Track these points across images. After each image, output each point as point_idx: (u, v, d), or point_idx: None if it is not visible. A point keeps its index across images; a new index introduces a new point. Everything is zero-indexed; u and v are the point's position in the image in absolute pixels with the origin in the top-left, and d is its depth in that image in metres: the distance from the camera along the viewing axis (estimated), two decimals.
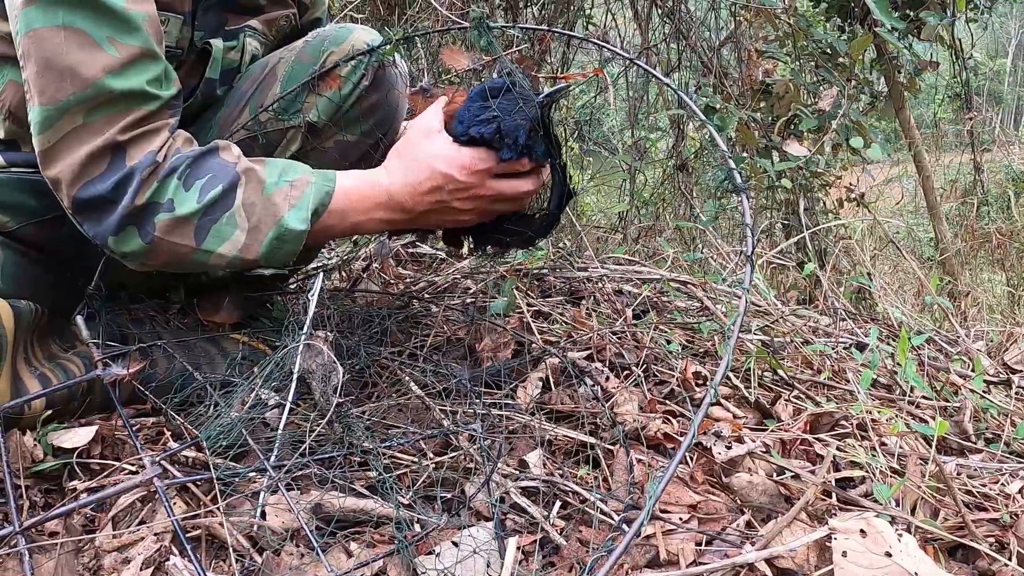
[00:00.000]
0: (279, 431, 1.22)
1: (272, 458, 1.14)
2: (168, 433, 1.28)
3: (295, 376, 1.30)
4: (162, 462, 1.15)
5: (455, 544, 1.02)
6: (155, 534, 1.04)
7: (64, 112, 1.14)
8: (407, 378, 1.45)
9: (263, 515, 1.06)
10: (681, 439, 1.36)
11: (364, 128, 1.46)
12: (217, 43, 1.39)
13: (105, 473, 1.19)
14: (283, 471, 1.13)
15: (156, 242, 1.19)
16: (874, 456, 1.33)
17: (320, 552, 0.98)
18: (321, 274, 1.61)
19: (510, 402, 1.42)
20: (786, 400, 1.58)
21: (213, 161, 1.22)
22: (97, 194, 1.16)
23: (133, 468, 1.19)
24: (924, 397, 1.68)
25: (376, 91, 1.45)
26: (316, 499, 1.09)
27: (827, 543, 1.01)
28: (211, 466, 1.15)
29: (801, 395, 1.63)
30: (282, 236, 1.22)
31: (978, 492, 1.29)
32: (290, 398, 1.26)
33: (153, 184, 1.17)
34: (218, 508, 1.06)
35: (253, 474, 1.14)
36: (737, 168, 1.13)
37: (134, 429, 1.26)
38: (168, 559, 0.99)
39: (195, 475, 1.14)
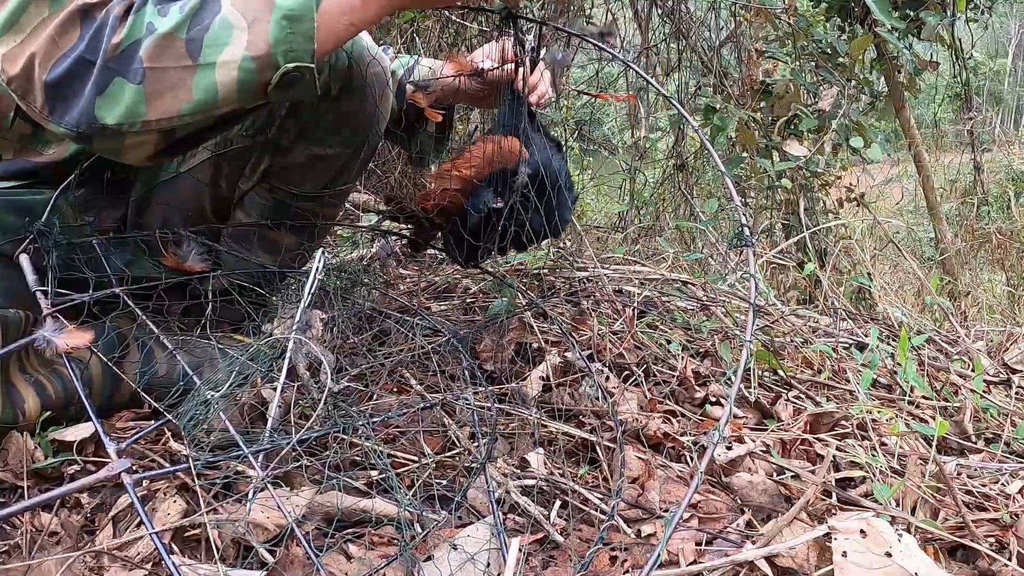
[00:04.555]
0: (270, 415, 1.18)
1: (260, 445, 1.10)
2: (168, 433, 1.28)
3: (288, 356, 1.23)
4: (144, 454, 1.12)
5: (454, 547, 1.01)
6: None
7: (28, 3, 1.05)
8: (406, 373, 1.46)
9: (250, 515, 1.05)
10: (681, 439, 1.36)
11: (340, 140, 1.40)
12: None
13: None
14: (271, 466, 1.10)
15: (147, 76, 1.02)
16: (874, 456, 1.33)
17: (317, 559, 0.98)
18: (321, 251, 1.56)
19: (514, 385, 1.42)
20: (786, 400, 1.58)
21: None
22: (71, 62, 1.03)
23: (135, 468, 1.19)
24: (924, 397, 1.68)
25: (349, 98, 1.37)
26: (308, 501, 1.08)
27: (827, 543, 1.01)
28: (191, 456, 1.11)
29: (801, 395, 1.63)
30: (289, 14, 1.05)
31: (978, 492, 1.29)
32: (282, 379, 1.21)
33: (128, 20, 1.03)
34: (205, 511, 1.05)
35: (243, 467, 1.12)
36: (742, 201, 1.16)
37: (133, 432, 1.26)
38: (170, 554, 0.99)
39: (171, 469, 1.09)
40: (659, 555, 0.90)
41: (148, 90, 1.02)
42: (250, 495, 1.06)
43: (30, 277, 1.20)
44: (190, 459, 1.08)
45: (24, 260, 1.22)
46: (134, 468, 1.18)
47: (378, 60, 1.38)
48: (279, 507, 1.03)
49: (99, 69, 1.02)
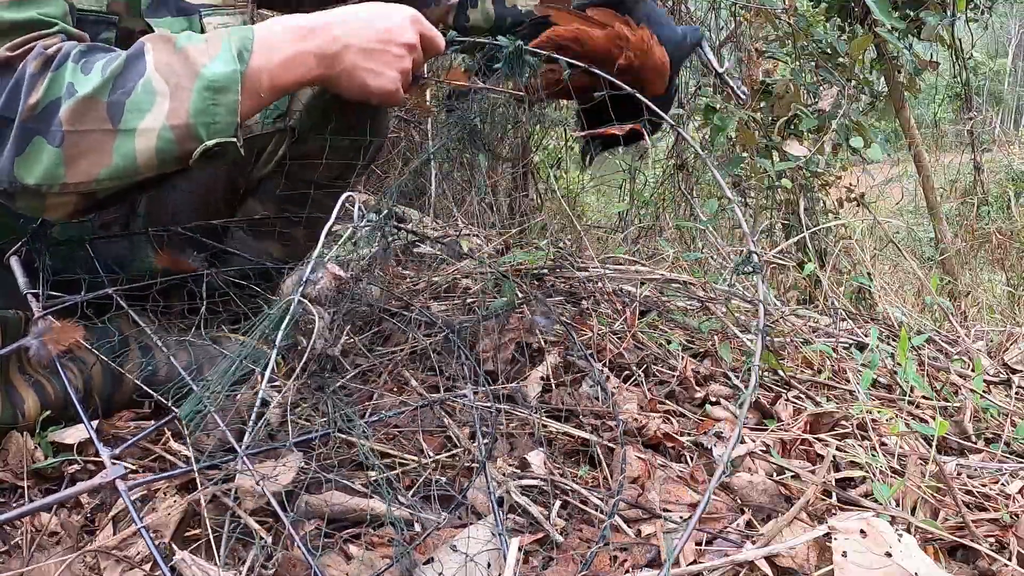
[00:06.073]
0: (259, 393, 1.16)
1: (248, 436, 1.07)
2: (168, 433, 1.28)
3: (280, 336, 1.13)
4: (144, 453, 1.12)
5: (454, 548, 1.01)
6: (155, 531, 1.03)
7: None
8: (407, 372, 1.45)
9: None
10: (681, 439, 1.36)
11: (353, 131, 1.42)
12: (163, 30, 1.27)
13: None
14: (270, 473, 1.10)
15: (67, 139, 0.99)
16: (874, 456, 1.33)
17: (314, 560, 0.98)
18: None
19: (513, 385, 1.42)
20: (786, 400, 1.58)
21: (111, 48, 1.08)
22: None
23: (134, 468, 1.19)
24: (924, 397, 1.68)
25: None
26: (294, 473, 1.07)
27: (827, 543, 1.01)
28: (192, 458, 1.11)
29: (801, 395, 1.63)
30: (212, 84, 1.03)
31: (978, 492, 1.29)
32: (273, 356, 1.11)
33: (47, 76, 1.00)
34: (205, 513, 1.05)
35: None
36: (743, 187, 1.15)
37: (132, 432, 1.26)
38: (172, 555, 0.99)
39: (167, 474, 1.09)
40: (668, 567, 0.90)
41: (67, 153, 1.00)
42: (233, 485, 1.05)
43: (21, 280, 1.18)
44: (192, 461, 1.08)
45: (15, 262, 1.21)
46: (134, 468, 1.19)
47: None
48: (275, 509, 1.02)
49: (17, 129, 0.99)
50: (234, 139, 1.05)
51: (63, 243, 1.32)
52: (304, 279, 1.15)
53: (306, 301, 1.16)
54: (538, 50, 1.40)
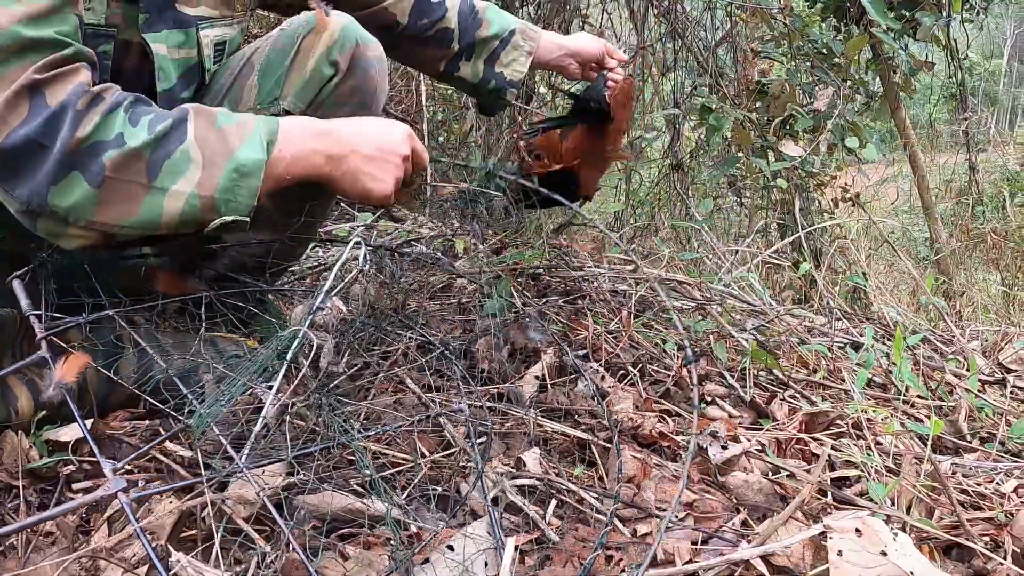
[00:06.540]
0: (264, 415, 1.17)
1: (255, 454, 1.11)
2: (164, 432, 1.28)
3: (290, 353, 1.21)
4: (140, 457, 1.12)
5: (450, 548, 1.01)
6: (150, 533, 1.03)
7: None
8: (404, 375, 1.45)
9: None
10: (677, 438, 1.36)
11: (346, 112, 1.43)
12: (159, 47, 1.32)
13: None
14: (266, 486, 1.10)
15: (106, 184, 1.06)
16: (869, 455, 1.33)
17: (310, 562, 0.98)
18: (349, 248, 1.55)
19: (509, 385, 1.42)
20: (781, 400, 1.58)
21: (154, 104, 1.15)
22: (25, 138, 1.03)
23: (129, 468, 1.19)
24: (919, 396, 1.68)
25: (352, 76, 1.43)
26: (280, 483, 1.08)
27: (823, 542, 1.01)
28: (190, 460, 1.12)
29: (796, 395, 1.63)
30: (240, 168, 1.12)
31: (973, 491, 1.29)
32: (279, 379, 1.18)
33: (95, 118, 1.06)
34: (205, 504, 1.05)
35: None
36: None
37: (124, 432, 1.26)
38: (168, 557, 0.99)
39: (170, 487, 1.09)
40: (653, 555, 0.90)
41: (103, 196, 1.06)
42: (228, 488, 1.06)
43: (24, 302, 1.21)
44: (188, 464, 1.08)
45: (17, 285, 1.23)
46: (129, 469, 1.19)
47: (377, 45, 1.47)
48: (271, 511, 1.02)
49: (58, 159, 1.04)
50: (247, 219, 1.13)
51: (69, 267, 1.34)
52: (314, 308, 1.24)
53: (311, 333, 1.23)
54: (506, 175, 1.62)
